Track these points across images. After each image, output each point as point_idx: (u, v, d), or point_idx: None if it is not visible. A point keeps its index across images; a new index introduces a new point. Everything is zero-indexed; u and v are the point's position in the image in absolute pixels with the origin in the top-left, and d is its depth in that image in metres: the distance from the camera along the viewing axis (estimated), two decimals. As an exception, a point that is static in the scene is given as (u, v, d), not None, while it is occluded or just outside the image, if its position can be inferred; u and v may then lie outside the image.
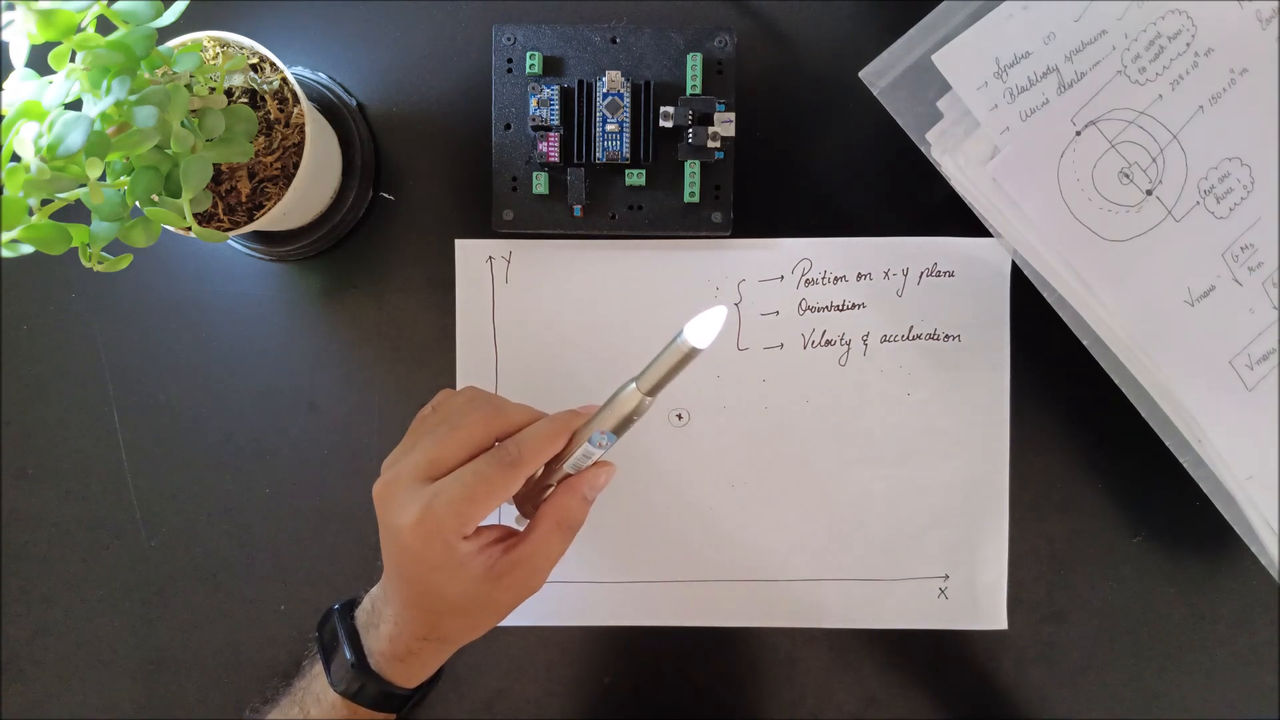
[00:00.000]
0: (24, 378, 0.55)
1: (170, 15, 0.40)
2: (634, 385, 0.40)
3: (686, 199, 0.52)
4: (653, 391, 0.40)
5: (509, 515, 0.47)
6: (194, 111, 0.42)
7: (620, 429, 0.41)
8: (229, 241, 0.54)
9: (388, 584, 0.45)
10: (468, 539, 0.40)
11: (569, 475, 0.43)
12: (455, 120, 0.55)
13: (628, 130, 0.51)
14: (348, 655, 0.44)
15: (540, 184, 0.52)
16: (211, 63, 0.46)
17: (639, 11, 0.54)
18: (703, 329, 0.37)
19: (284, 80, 0.46)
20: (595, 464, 0.43)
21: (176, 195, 0.41)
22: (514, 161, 0.53)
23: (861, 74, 0.47)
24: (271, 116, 0.47)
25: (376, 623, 0.45)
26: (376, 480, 0.42)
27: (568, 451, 0.42)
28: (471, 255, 0.55)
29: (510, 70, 0.53)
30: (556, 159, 0.51)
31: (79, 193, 0.37)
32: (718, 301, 0.55)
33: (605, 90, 0.51)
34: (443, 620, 0.43)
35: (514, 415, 0.42)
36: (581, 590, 0.55)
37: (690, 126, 0.50)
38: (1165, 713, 0.56)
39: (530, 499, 0.45)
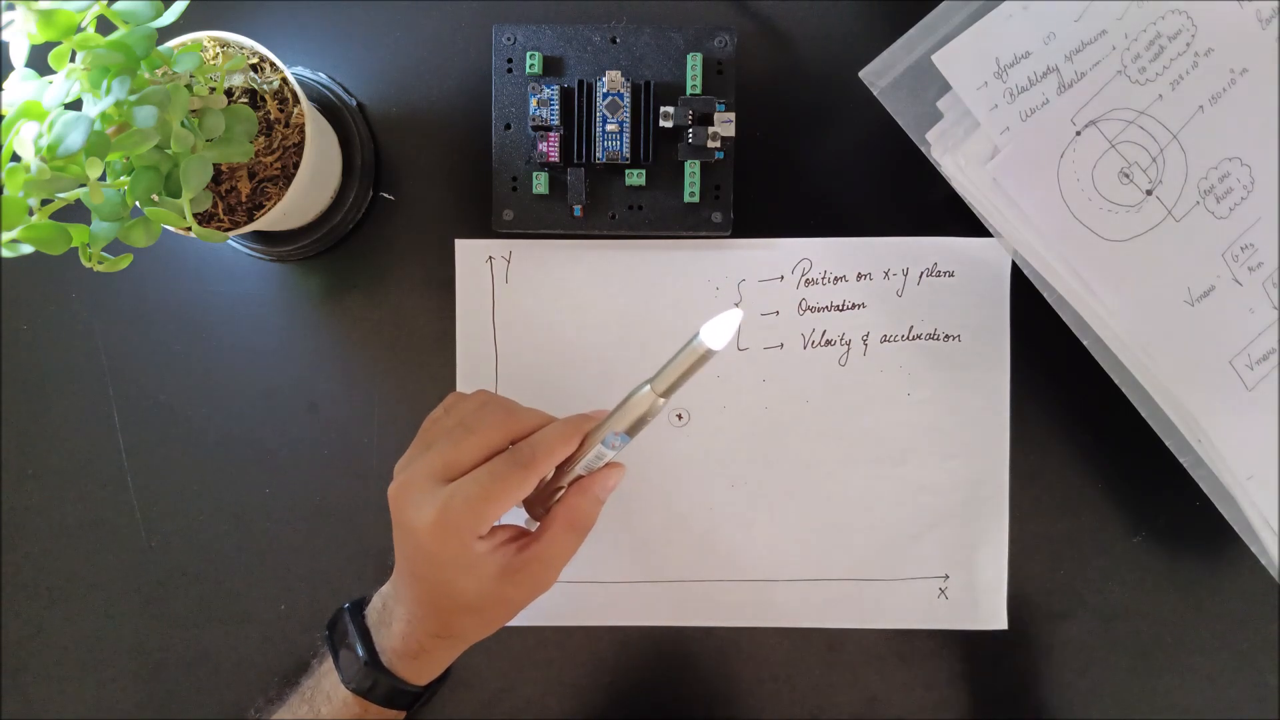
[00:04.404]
0: (24, 378, 0.55)
1: (170, 15, 0.40)
2: (648, 387, 0.40)
3: (686, 199, 0.52)
4: (667, 393, 0.40)
5: (518, 518, 0.47)
6: (194, 111, 0.42)
7: (634, 430, 0.42)
8: (229, 241, 0.54)
9: (400, 583, 0.45)
10: (482, 538, 0.41)
11: (580, 477, 0.44)
12: (455, 120, 0.55)
13: (628, 130, 0.51)
14: (360, 653, 0.45)
15: (540, 184, 0.52)
16: (211, 63, 0.46)
17: (639, 11, 0.54)
18: (719, 331, 0.38)
19: (284, 80, 0.46)
20: (607, 465, 0.44)
21: (176, 195, 0.41)
22: (514, 161, 0.53)
23: (861, 74, 0.47)
24: (271, 116, 0.47)
25: (388, 621, 0.45)
26: (391, 483, 0.43)
27: (579, 454, 0.43)
28: (471, 255, 0.55)
29: (510, 70, 0.53)
30: (556, 159, 0.51)
31: (79, 193, 0.37)
32: (718, 302, 0.55)
33: (605, 90, 0.51)
34: (456, 618, 0.44)
35: (527, 418, 0.43)
36: (582, 590, 0.55)
37: (690, 126, 0.50)
38: (1165, 713, 0.56)
39: (540, 501, 0.45)
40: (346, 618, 0.47)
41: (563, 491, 0.44)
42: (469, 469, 0.41)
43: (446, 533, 0.40)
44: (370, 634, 0.46)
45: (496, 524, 0.42)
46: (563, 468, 0.44)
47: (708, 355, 0.38)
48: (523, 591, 0.43)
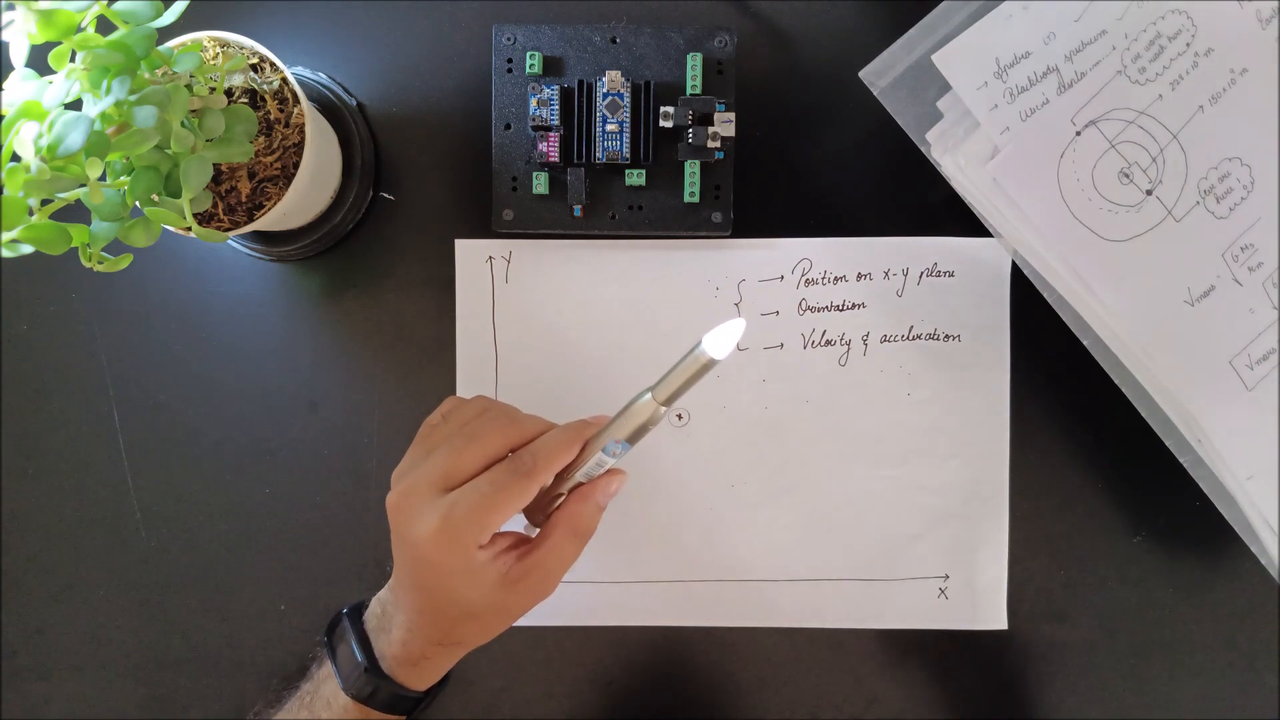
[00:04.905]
0: (24, 378, 0.55)
1: (170, 15, 0.40)
2: (649, 395, 0.40)
3: (686, 199, 0.52)
4: (668, 401, 0.40)
5: (517, 523, 0.47)
6: (194, 111, 0.42)
7: (634, 438, 0.41)
8: (229, 241, 0.54)
9: (400, 590, 0.45)
10: (483, 547, 0.41)
11: (580, 483, 0.44)
12: (455, 120, 0.55)
13: (628, 130, 0.51)
14: (360, 659, 0.45)
15: (540, 184, 0.52)
16: (211, 63, 0.46)
17: (639, 11, 0.54)
18: (721, 340, 0.37)
19: (284, 80, 0.46)
20: (608, 472, 0.44)
21: (176, 195, 0.41)
22: (514, 161, 0.53)
23: (861, 74, 0.47)
24: (271, 116, 0.47)
25: (388, 627, 0.45)
26: (390, 492, 0.42)
27: (580, 460, 0.43)
28: (471, 255, 0.55)
29: (510, 70, 0.53)
30: (556, 159, 0.51)
31: (79, 193, 0.37)
32: (718, 302, 0.55)
33: (605, 90, 0.51)
34: (457, 626, 0.43)
35: (528, 426, 0.43)
36: (581, 590, 0.55)
37: (690, 126, 0.50)
38: (1165, 713, 0.56)
39: (540, 508, 0.45)
40: (346, 623, 0.47)
41: (563, 498, 0.44)
42: (469, 478, 0.41)
43: (448, 543, 0.40)
44: (369, 640, 0.46)
45: (496, 531, 0.42)
46: (562, 474, 0.43)
47: (710, 364, 0.38)
48: (524, 599, 0.43)
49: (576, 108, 0.51)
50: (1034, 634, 0.55)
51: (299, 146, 0.46)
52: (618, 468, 0.44)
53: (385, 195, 0.55)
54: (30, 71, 0.38)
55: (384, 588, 0.47)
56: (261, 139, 0.46)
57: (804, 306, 0.55)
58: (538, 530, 0.44)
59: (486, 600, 0.42)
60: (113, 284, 0.55)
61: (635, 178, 0.52)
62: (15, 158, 0.36)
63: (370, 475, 0.55)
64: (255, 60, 0.47)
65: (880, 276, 0.55)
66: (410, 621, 0.44)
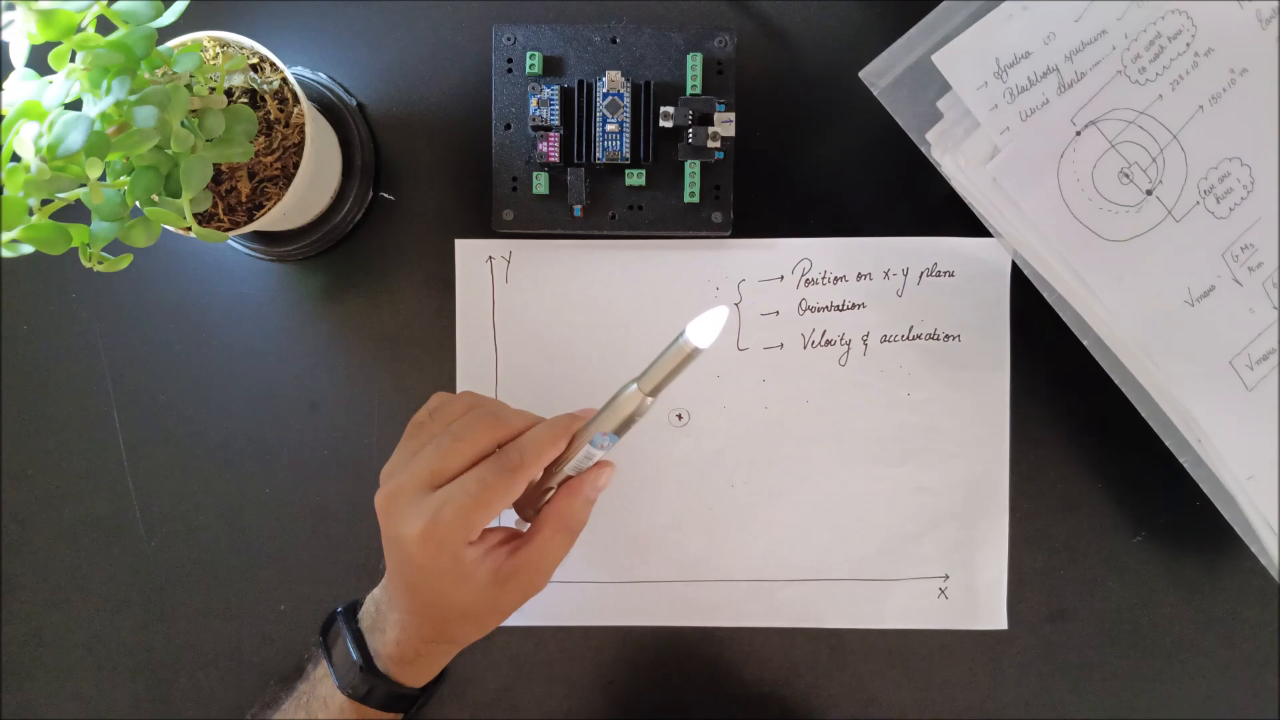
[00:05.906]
0: (24, 378, 0.55)
1: (170, 15, 0.40)
2: (635, 386, 0.40)
3: (686, 199, 0.52)
4: (654, 392, 0.40)
5: (508, 517, 0.47)
6: (194, 111, 0.42)
7: (622, 430, 0.41)
8: (229, 241, 0.54)
9: (392, 590, 0.45)
10: (472, 544, 0.41)
11: (569, 477, 0.43)
12: (455, 120, 0.55)
13: (628, 130, 0.51)
14: (355, 658, 0.45)
15: (540, 184, 0.52)
16: (211, 63, 0.46)
17: (639, 11, 0.54)
18: (704, 329, 0.37)
19: (284, 80, 0.46)
20: (596, 464, 0.44)
21: (176, 195, 0.41)
22: (514, 161, 0.53)
23: (861, 74, 0.47)
24: (271, 116, 0.47)
25: (382, 626, 0.45)
26: (378, 491, 0.42)
27: (568, 454, 0.42)
28: (471, 255, 0.55)
29: (510, 70, 0.53)
30: (556, 159, 0.51)
31: (79, 193, 0.37)
32: (718, 302, 0.55)
33: (605, 90, 0.51)
34: (449, 624, 0.43)
35: (514, 421, 0.43)
36: (581, 590, 0.55)
37: (690, 126, 0.50)
38: (1165, 713, 0.56)
39: (530, 503, 0.45)
40: (341, 622, 0.47)
41: (552, 492, 0.44)
42: (456, 475, 0.41)
43: (436, 543, 0.40)
44: (364, 638, 0.46)
45: (485, 528, 0.42)
46: (551, 468, 0.43)
47: (694, 354, 0.38)
48: (516, 596, 0.43)
49: (576, 108, 0.51)
50: (1034, 634, 0.55)
51: (299, 146, 0.46)
52: (606, 460, 0.44)
53: (385, 195, 0.55)
54: (30, 71, 0.38)
55: (378, 586, 0.47)
56: (261, 139, 0.46)
57: (804, 306, 0.55)
58: (528, 525, 0.44)
59: (478, 598, 0.41)
60: (113, 284, 0.55)
61: (635, 178, 0.52)
62: (15, 158, 0.36)
63: (370, 475, 0.55)
64: (255, 60, 0.47)
65: (880, 276, 0.55)
66: (403, 620, 0.44)
